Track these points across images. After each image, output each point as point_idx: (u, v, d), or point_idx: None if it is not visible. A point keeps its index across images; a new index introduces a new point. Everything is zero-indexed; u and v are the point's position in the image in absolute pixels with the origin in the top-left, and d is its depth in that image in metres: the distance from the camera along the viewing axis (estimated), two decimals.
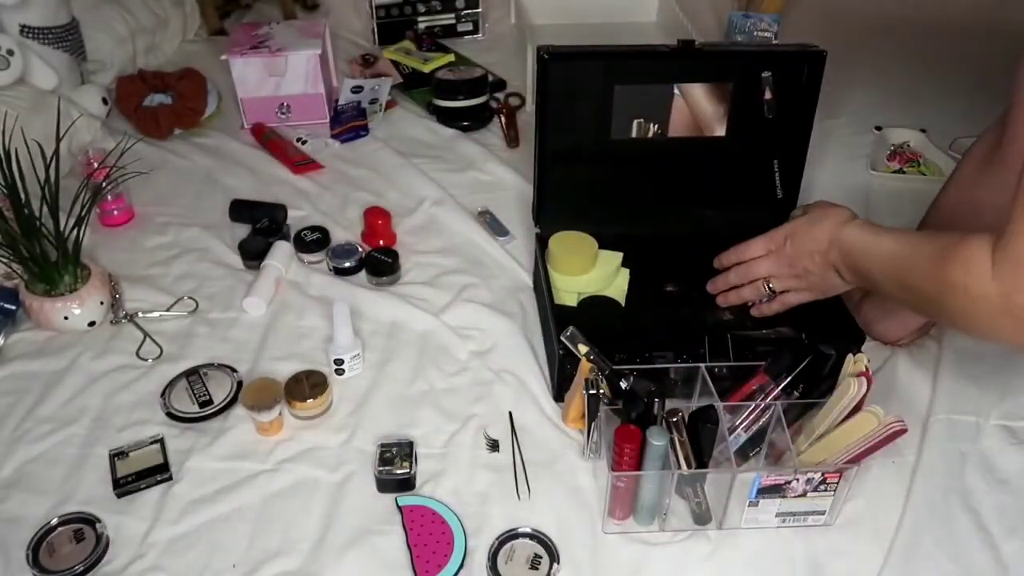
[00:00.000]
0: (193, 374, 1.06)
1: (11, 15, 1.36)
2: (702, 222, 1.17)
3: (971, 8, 2.00)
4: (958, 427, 1.01)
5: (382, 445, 0.95)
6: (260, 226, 1.28)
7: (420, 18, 1.88)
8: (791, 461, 0.87)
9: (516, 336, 1.13)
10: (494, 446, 0.98)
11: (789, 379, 0.91)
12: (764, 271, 1.02)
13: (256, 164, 1.48)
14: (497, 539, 0.88)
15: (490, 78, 1.65)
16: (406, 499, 0.91)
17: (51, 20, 1.41)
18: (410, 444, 0.95)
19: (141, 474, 0.93)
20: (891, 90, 1.73)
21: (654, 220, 1.16)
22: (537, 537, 0.88)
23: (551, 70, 1.05)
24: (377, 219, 1.28)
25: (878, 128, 1.59)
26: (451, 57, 1.77)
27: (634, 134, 1.11)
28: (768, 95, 1.09)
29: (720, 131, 1.12)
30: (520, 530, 0.88)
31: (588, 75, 1.07)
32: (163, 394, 1.03)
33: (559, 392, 1.03)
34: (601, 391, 0.90)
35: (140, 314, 1.15)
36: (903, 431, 0.82)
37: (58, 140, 1.10)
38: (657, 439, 0.83)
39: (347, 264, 1.23)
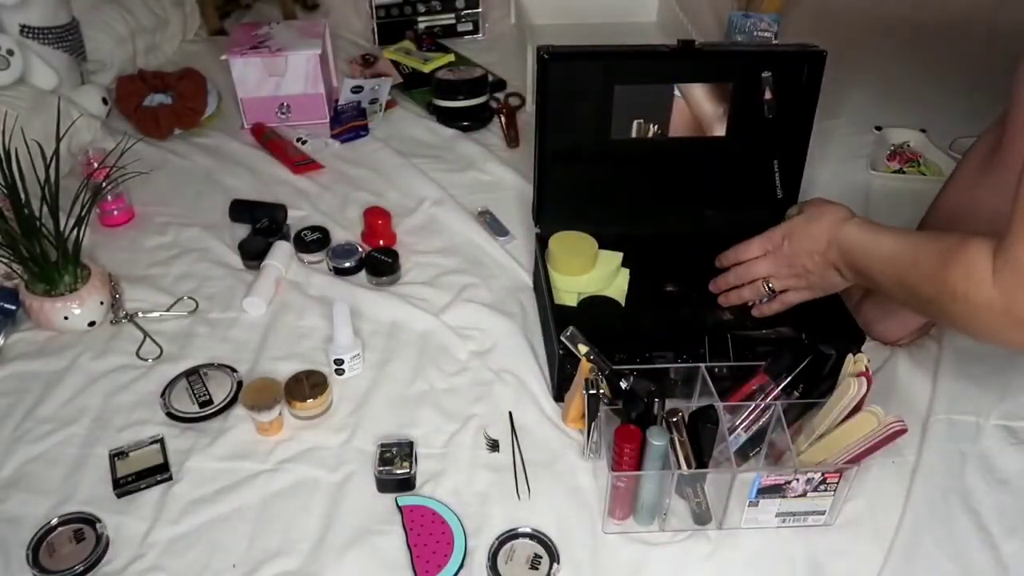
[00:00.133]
0: (193, 374, 1.06)
1: (11, 15, 1.36)
2: (702, 222, 1.17)
3: (971, 8, 2.00)
4: (958, 427, 1.01)
5: (382, 445, 0.95)
6: (260, 226, 1.28)
7: (420, 18, 1.88)
8: (791, 461, 0.87)
9: (516, 336, 1.13)
10: (494, 446, 0.98)
11: (789, 379, 0.91)
12: (763, 271, 1.02)
13: (256, 164, 1.48)
14: (497, 539, 0.88)
15: (490, 78, 1.65)
16: (406, 499, 0.91)
17: (51, 20, 1.41)
18: (410, 444, 0.95)
19: (141, 474, 0.93)
20: (891, 90, 1.73)
21: (654, 220, 1.16)
22: (537, 537, 0.88)
23: (551, 70, 1.05)
24: (377, 219, 1.28)
25: (878, 128, 1.59)
26: (451, 57, 1.77)
27: (634, 134, 1.11)
28: (768, 95, 1.09)
29: (720, 131, 1.12)
30: (520, 530, 0.88)
31: (588, 75, 1.07)
32: (163, 394, 1.03)
33: (559, 392, 1.03)
34: (601, 391, 0.90)
35: (140, 314, 1.15)
36: (903, 431, 0.82)
37: (58, 140, 1.10)
38: (657, 439, 0.83)
39: (347, 264, 1.23)
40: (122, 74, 1.59)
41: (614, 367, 0.92)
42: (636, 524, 0.90)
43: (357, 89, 1.66)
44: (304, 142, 1.54)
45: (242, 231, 1.30)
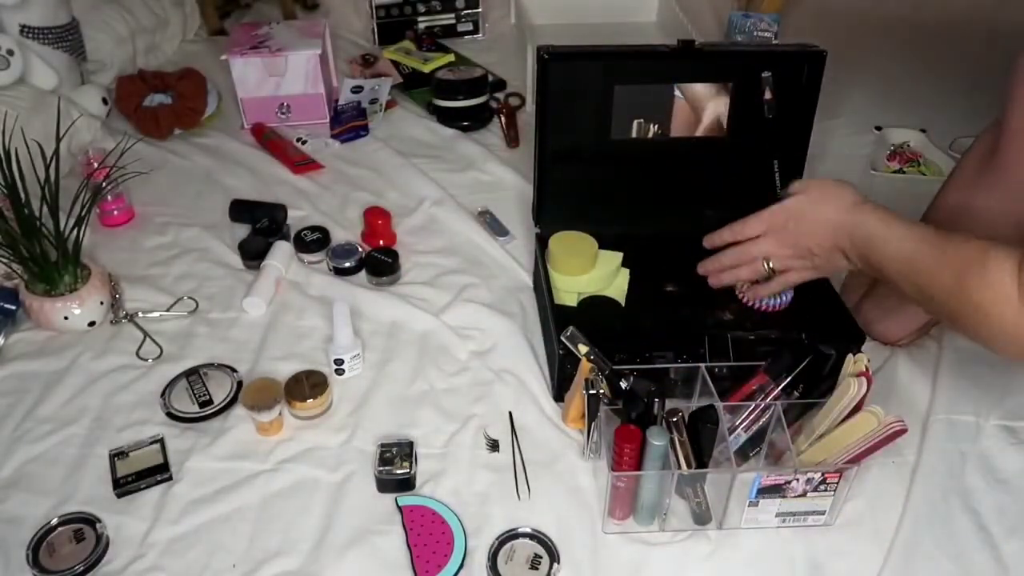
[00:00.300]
0: (193, 374, 1.06)
1: (11, 15, 1.36)
2: (702, 222, 1.17)
3: (971, 8, 2.00)
4: (958, 427, 1.01)
5: (382, 445, 0.95)
6: (260, 226, 1.28)
7: (420, 18, 1.88)
8: (791, 461, 0.87)
9: (516, 336, 1.13)
10: (494, 446, 0.98)
11: (789, 379, 0.91)
12: (764, 250, 0.99)
13: (256, 164, 1.48)
14: (497, 539, 0.88)
15: (490, 78, 1.65)
16: (406, 499, 0.91)
17: (51, 20, 1.41)
18: (410, 444, 0.95)
19: (141, 474, 0.93)
20: (891, 90, 1.73)
21: (654, 220, 1.16)
22: (537, 537, 0.88)
23: (551, 70, 1.05)
24: (377, 219, 1.28)
25: (878, 128, 1.59)
26: (451, 57, 1.77)
27: (634, 134, 1.11)
28: (768, 95, 1.09)
29: (720, 131, 1.12)
30: (520, 530, 0.88)
31: (588, 75, 1.07)
32: (163, 394, 1.03)
33: (559, 392, 1.03)
34: (601, 391, 0.90)
35: (140, 314, 1.15)
36: (903, 431, 0.82)
37: (58, 140, 1.10)
38: (657, 439, 0.83)
39: (347, 264, 1.23)
40: (122, 74, 1.59)
41: (614, 367, 0.92)
42: (636, 524, 0.90)
43: (357, 89, 1.66)
44: (304, 142, 1.54)
45: (242, 231, 1.30)
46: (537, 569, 0.85)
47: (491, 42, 1.91)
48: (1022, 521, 0.91)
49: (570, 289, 1.09)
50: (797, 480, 0.85)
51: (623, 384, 0.90)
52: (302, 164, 1.47)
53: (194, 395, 1.03)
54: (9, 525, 0.88)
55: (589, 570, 0.86)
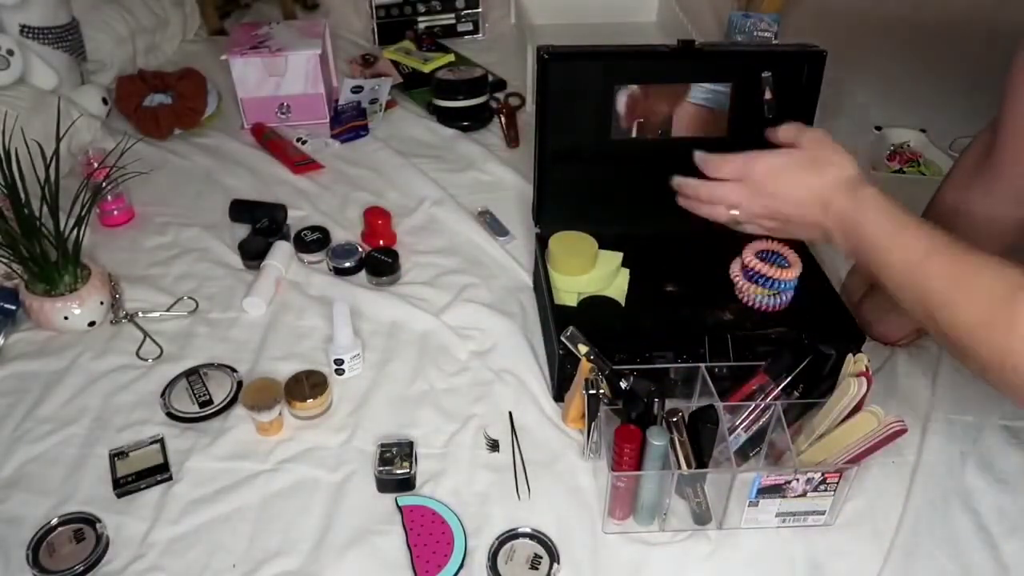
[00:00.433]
0: (193, 374, 1.06)
1: (11, 15, 1.36)
2: (702, 222, 1.17)
3: (971, 8, 2.00)
4: (958, 427, 1.01)
5: (382, 445, 0.95)
6: (260, 226, 1.28)
7: (420, 18, 1.88)
8: (791, 461, 0.87)
9: (516, 336, 1.13)
10: (494, 446, 0.98)
11: (789, 379, 0.91)
12: (732, 199, 0.88)
13: (256, 164, 1.48)
14: (497, 539, 0.88)
15: (490, 78, 1.65)
16: (406, 499, 0.91)
17: (51, 20, 1.41)
18: (410, 444, 0.95)
19: (141, 474, 0.93)
20: (891, 90, 1.73)
21: (654, 220, 1.16)
22: (537, 537, 0.88)
23: (551, 70, 1.05)
24: (377, 219, 1.28)
25: (878, 128, 1.59)
26: (451, 57, 1.77)
27: (634, 134, 1.11)
28: (768, 95, 1.09)
29: (720, 131, 1.12)
30: (520, 530, 0.88)
31: (588, 75, 1.07)
32: (163, 394, 1.03)
33: (559, 392, 1.03)
34: (601, 391, 0.90)
35: (140, 314, 1.15)
36: (903, 431, 0.82)
37: (58, 140, 1.10)
38: (657, 439, 0.83)
39: (347, 264, 1.23)
40: (122, 74, 1.59)
41: (614, 367, 0.92)
42: (636, 524, 0.90)
43: (357, 89, 1.66)
44: (304, 142, 1.54)
45: (242, 231, 1.30)
46: (537, 569, 0.85)
47: (491, 42, 1.91)
48: (1022, 521, 0.91)
49: (570, 289, 1.09)
50: (797, 480, 0.85)
51: (623, 384, 0.90)
52: (302, 164, 1.47)
53: (194, 395, 1.03)
54: (9, 525, 0.88)
55: (589, 570, 0.86)
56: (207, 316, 1.16)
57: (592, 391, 0.90)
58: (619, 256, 1.12)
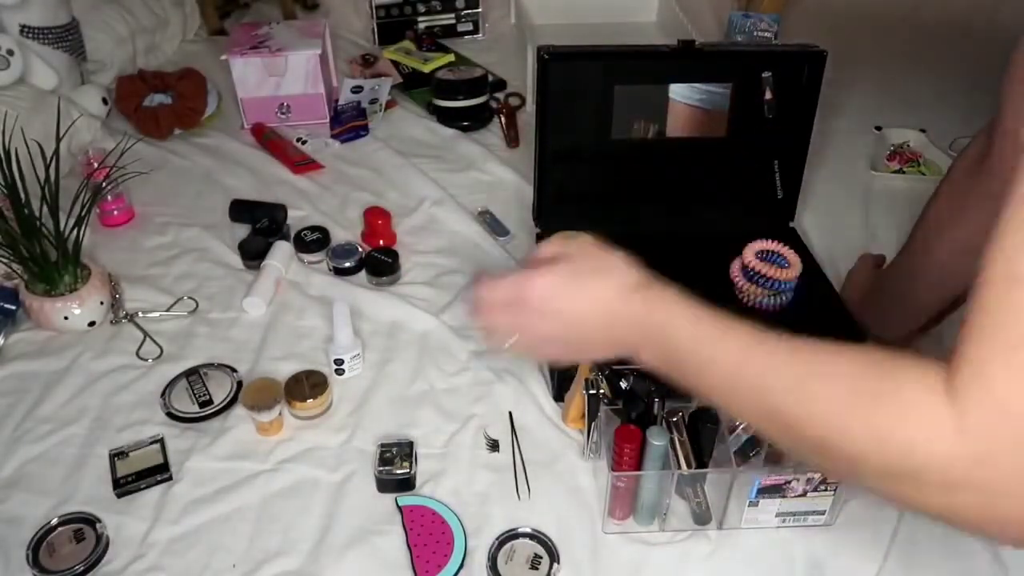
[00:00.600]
0: (193, 374, 1.06)
1: (11, 15, 1.36)
2: (702, 222, 1.17)
3: (971, 8, 2.00)
4: None
5: (382, 445, 0.95)
6: (260, 226, 1.28)
7: (420, 18, 1.88)
8: (791, 461, 0.87)
9: None
10: (494, 446, 0.98)
11: None
12: (512, 327, 0.75)
13: (256, 164, 1.48)
14: (497, 539, 0.88)
15: (490, 78, 1.65)
16: (406, 499, 0.91)
17: (51, 20, 1.41)
18: (410, 444, 0.95)
19: (141, 474, 0.93)
20: (891, 90, 1.73)
21: (654, 220, 1.16)
22: (537, 537, 0.88)
23: (551, 70, 1.05)
24: (377, 219, 1.28)
25: (878, 128, 1.59)
26: (451, 57, 1.77)
27: (634, 134, 1.11)
28: (768, 95, 1.09)
29: (720, 131, 1.12)
30: (520, 530, 0.88)
31: (588, 75, 1.07)
32: (163, 394, 1.03)
33: (559, 392, 1.03)
34: (601, 391, 0.90)
35: (140, 314, 1.15)
36: None
37: (58, 140, 1.10)
38: (657, 439, 0.83)
39: (347, 264, 1.23)
40: (122, 74, 1.59)
41: (614, 367, 0.92)
42: (636, 524, 0.90)
43: (357, 89, 1.66)
44: (304, 142, 1.54)
45: (242, 231, 1.30)
46: (537, 569, 0.85)
47: (491, 42, 1.91)
48: None
49: None
50: (797, 480, 0.85)
51: (623, 384, 0.90)
52: (302, 164, 1.47)
53: (194, 395, 1.03)
54: (9, 525, 0.88)
55: (589, 570, 0.86)
56: (207, 316, 1.16)
57: (592, 391, 0.90)
58: None
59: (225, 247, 1.28)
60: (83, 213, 1.09)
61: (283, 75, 1.54)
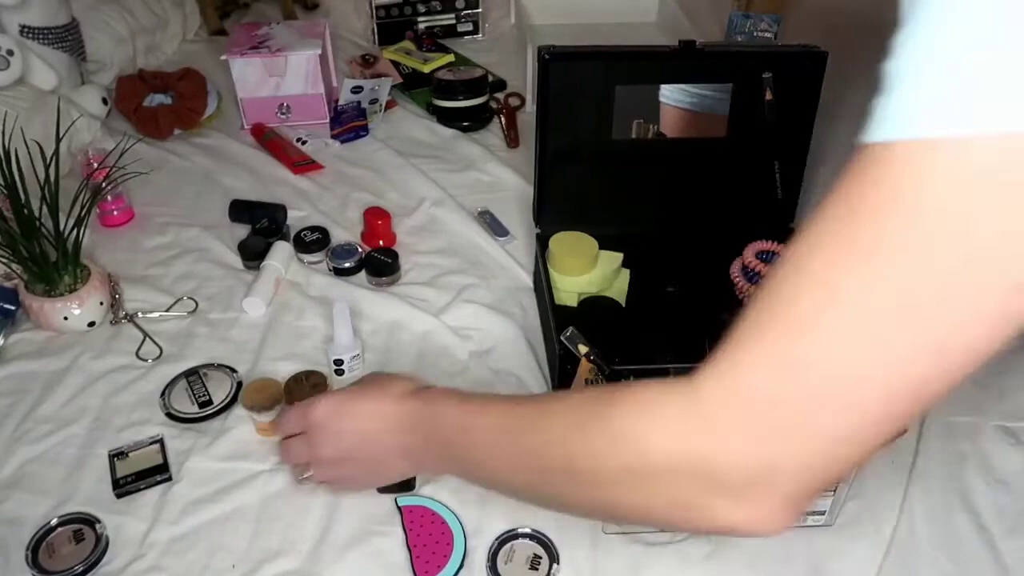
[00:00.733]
0: (193, 374, 1.06)
1: (11, 15, 1.36)
2: (702, 223, 1.17)
3: None
4: (957, 427, 1.01)
5: None
6: (260, 226, 1.28)
7: (420, 18, 1.88)
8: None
9: (516, 336, 1.12)
10: None
11: None
12: (303, 456, 0.80)
13: (256, 164, 1.48)
14: (497, 539, 0.88)
15: (490, 78, 1.65)
16: (406, 499, 0.91)
17: (51, 20, 1.41)
18: None
19: (141, 474, 0.93)
20: None
21: (654, 220, 1.16)
22: (537, 537, 0.88)
23: (551, 70, 1.05)
24: (377, 219, 1.28)
25: None
26: (451, 57, 1.77)
27: (634, 134, 1.11)
28: (768, 96, 1.09)
29: (720, 132, 1.12)
30: (520, 530, 0.88)
31: (588, 75, 1.07)
32: (163, 394, 1.03)
33: None
34: None
35: (140, 314, 1.15)
36: (903, 431, 0.82)
37: (58, 140, 1.10)
38: None
39: (347, 264, 1.23)
40: (122, 74, 1.59)
41: (614, 368, 0.92)
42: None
43: (357, 89, 1.66)
44: (304, 142, 1.54)
45: (242, 231, 1.30)
46: (537, 569, 0.85)
47: (491, 42, 1.91)
48: (1022, 521, 0.91)
49: (570, 289, 1.09)
50: None
51: None
52: (302, 164, 1.47)
53: (194, 395, 1.03)
54: (9, 525, 0.88)
55: (589, 570, 0.86)
56: (207, 316, 1.16)
57: None
58: (619, 256, 1.12)
59: (225, 247, 1.28)
60: (83, 213, 1.09)
61: (283, 75, 1.54)
